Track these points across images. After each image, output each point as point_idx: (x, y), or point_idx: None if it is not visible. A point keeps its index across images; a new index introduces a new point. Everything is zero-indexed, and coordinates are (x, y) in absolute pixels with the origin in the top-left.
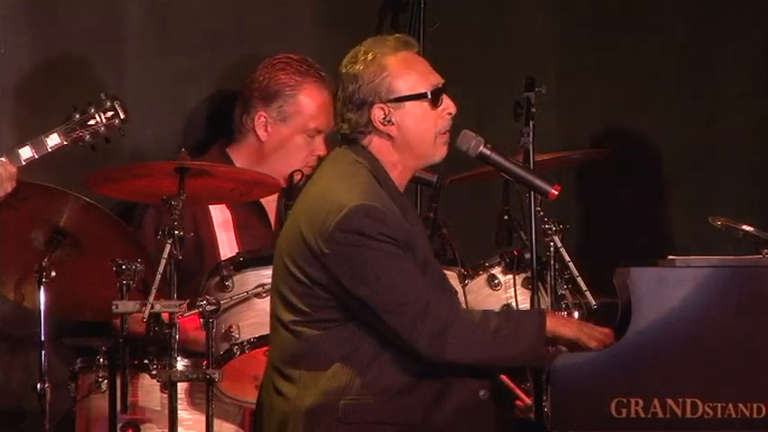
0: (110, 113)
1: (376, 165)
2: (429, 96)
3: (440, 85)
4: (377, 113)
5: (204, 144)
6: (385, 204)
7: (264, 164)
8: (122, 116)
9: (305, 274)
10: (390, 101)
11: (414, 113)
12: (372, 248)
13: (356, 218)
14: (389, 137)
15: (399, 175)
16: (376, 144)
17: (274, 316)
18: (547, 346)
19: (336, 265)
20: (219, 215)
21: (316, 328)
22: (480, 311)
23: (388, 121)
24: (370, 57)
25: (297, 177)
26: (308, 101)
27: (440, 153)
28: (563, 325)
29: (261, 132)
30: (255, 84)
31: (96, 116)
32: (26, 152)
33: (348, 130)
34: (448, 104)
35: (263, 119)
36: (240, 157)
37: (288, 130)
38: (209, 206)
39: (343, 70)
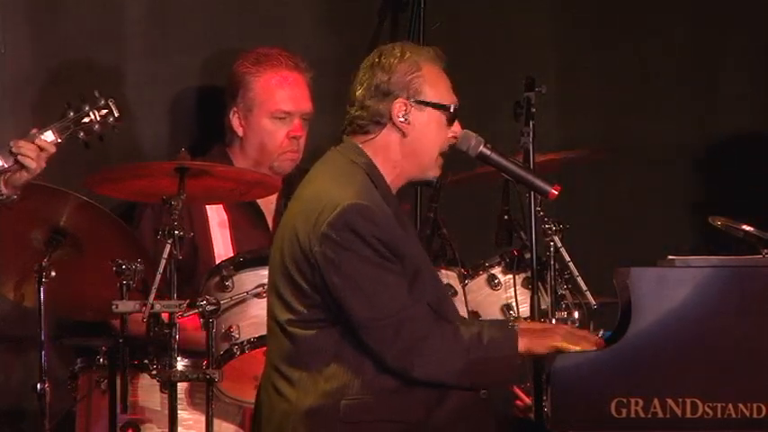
0: (104, 111)
1: (371, 166)
2: (450, 111)
3: (457, 107)
4: (398, 107)
5: (203, 144)
6: (378, 206)
7: (250, 158)
8: (116, 114)
9: (300, 273)
10: (416, 101)
11: (430, 121)
12: (360, 254)
13: (349, 216)
14: (401, 134)
15: (396, 178)
16: (384, 138)
17: (271, 316)
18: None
19: (324, 264)
20: (216, 215)
21: (311, 328)
22: (454, 326)
23: (406, 119)
24: (407, 55)
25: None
26: (268, 84)
27: (434, 172)
28: (536, 344)
29: (237, 128)
30: (226, 84)
31: (90, 114)
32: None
33: (364, 119)
34: (456, 128)
35: (235, 114)
36: (236, 158)
37: (255, 118)
38: (206, 206)
39: (376, 60)
